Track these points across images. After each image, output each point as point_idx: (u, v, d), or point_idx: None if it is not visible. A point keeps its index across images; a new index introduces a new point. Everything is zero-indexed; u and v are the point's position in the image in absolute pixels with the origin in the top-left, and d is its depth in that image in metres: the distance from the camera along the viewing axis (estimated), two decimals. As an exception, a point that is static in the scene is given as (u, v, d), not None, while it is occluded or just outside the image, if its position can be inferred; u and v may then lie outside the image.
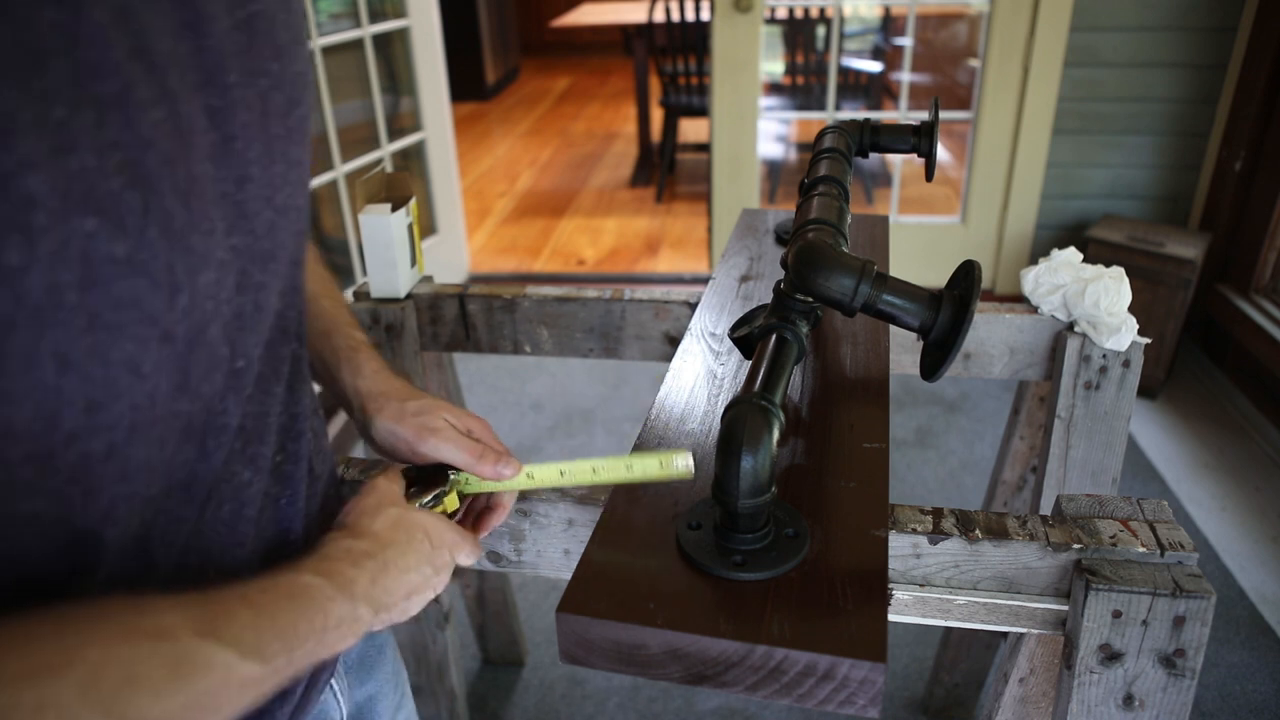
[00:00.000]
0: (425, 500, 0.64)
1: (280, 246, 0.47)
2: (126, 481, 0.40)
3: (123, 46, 0.34)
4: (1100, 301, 1.02)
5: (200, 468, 0.46)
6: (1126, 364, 1.04)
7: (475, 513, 0.70)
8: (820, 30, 3.75)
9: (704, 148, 4.42)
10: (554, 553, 0.81)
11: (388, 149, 2.72)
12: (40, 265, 0.32)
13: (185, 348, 0.40)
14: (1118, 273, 1.03)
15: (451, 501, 0.66)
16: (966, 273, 0.68)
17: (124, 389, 0.37)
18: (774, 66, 3.83)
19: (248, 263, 0.44)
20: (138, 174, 0.35)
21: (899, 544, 0.71)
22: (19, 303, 0.32)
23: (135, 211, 0.35)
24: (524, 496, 0.79)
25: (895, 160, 3.30)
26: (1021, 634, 0.81)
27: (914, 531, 0.71)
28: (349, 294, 1.24)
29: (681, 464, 0.62)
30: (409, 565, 0.54)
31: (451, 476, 0.67)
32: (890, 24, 4.09)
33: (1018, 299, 1.12)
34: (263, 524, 0.52)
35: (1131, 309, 1.03)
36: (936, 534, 0.70)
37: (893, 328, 0.96)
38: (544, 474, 0.66)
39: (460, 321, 1.23)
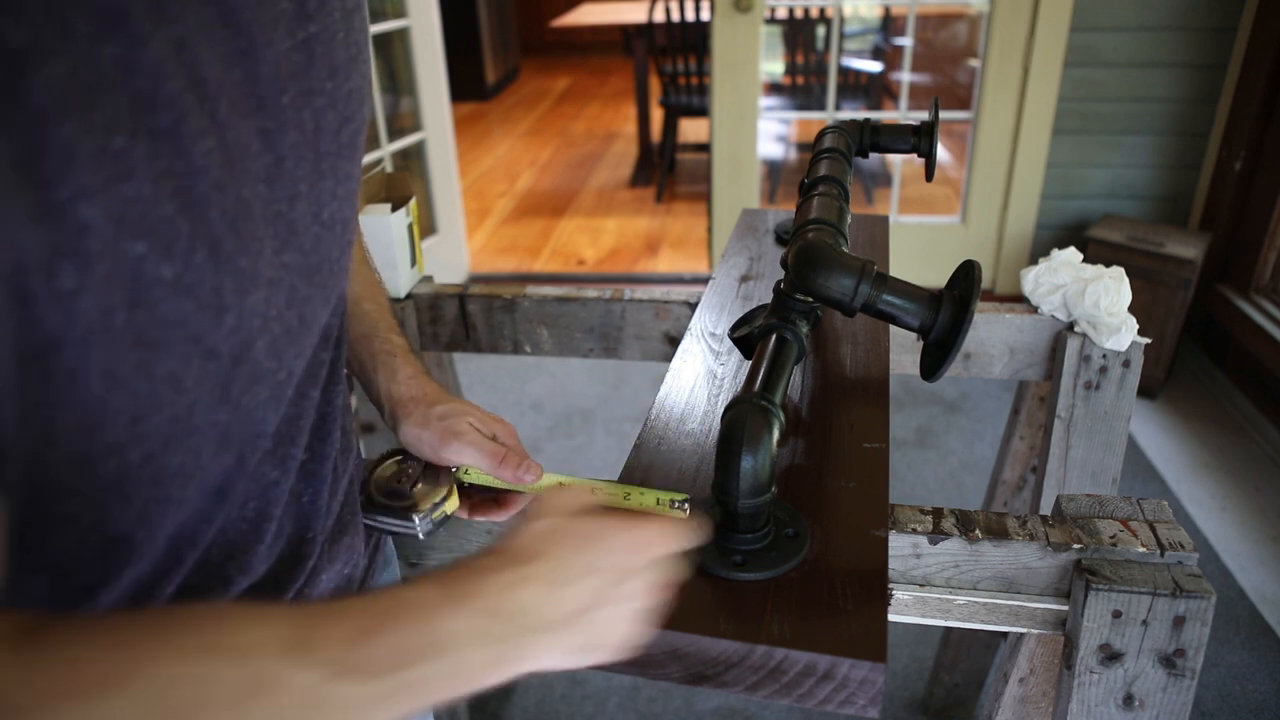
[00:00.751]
0: (427, 508, 0.65)
1: (326, 260, 0.48)
2: (161, 487, 0.40)
3: (179, 79, 0.35)
4: (1100, 301, 1.02)
5: (236, 474, 0.46)
6: (1126, 364, 1.04)
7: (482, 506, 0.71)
8: (820, 30, 3.75)
9: (704, 148, 4.42)
10: (554, 553, 0.81)
11: (388, 149, 2.72)
12: (92, 289, 0.33)
13: (230, 363, 0.40)
14: (1118, 273, 1.03)
15: (454, 501, 0.67)
16: (966, 273, 0.68)
17: (165, 402, 0.37)
18: (774, 66, 3.83)
19: (297, 278, 0.44)
20: (188, 201, 0.35)
21: (899, 544, 0.71)
22: (70, 323, 0.33)
23: (184, 236, 0.35)
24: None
25: (895, 160, 3.30)
26: (1021, 634, 0.81)
27: (914, 531, 0.71)
28: (349, 294, 1.23)
29: (678, 508, 0.61)
30: (565, 578, 0.45)
31: (455, 470, 0.68)
32: (890, 24, 4.09)
33: (1018, 299, 1.12)
34: (284, 521, 0.53)
35: (1131, 309, 1.03)
36: (936, 534, 0.70)
37: (893, 328, 0.96)
38: (542, 484, 0.67)
39: (460, 321, 1.23)
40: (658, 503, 0.62)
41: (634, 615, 0.47)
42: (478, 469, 0.67)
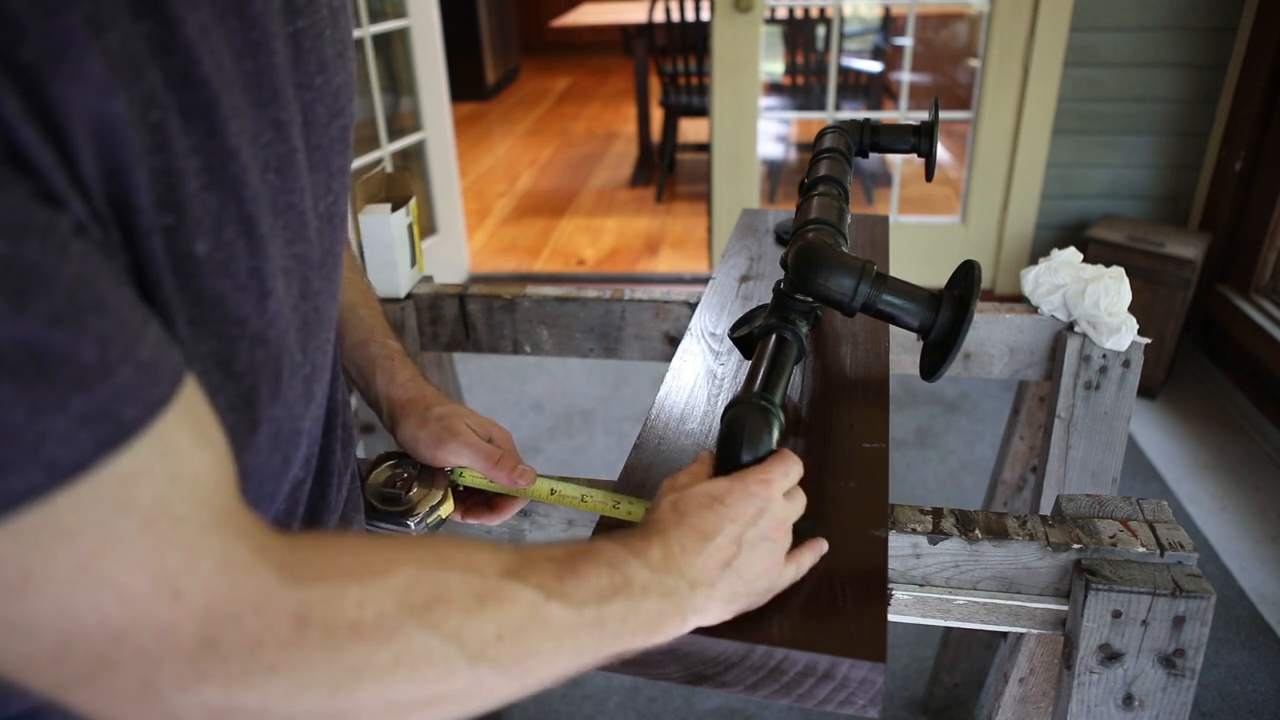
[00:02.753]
0: (422, 512, 0.65)
1: (330, 254, 0.49)
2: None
3: (209, 61, 0.35)
4: (1100, 301, 1.02)
5: (283, 476, 0.47)
6: (1126, 364, 1.04)
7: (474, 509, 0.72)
8: (820, 30, 3.75)
9: (704, 148, 4.42)
10: (554, 553, 0.81)
11: (388, 149, 2.72)
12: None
13: (277, 351, 0.41)
14: (1118, 273, 1.03)
15: (449, 505, 0.68)
16: (966, 273, 0.68)
17: (215, 387, 0.38)
18: (774, 66, 3.83)
19: (308, 270, 0.45)
20: (216, 179, 0.36)
21: (899, 544, 0.71)
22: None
23: (212, 213, 0.36)
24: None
25: (895, 160, 3.30)
26: (1021, 634, 0.81)
27: (914, 531, 0.71)
28: (349, 294, 1.24)
29: None
30: (705, 535, 0.51)
31: (447, 475, 0.68)
32: (890, 24, 4.09)
33: (1018, 299, 1.12)
34: (302, 520, 0.54)
35: (1131, 309, 1.03)
36: (936, 534, 0.70)
37: (893, 328, 0.96)
38: (535, 490, 0.69)
39: (460, 321, 1.23)
40: (647, 512, 0.63)
41: (769, 554, 0.53)
42: (473, 471, 0.68)
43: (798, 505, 0.57)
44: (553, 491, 0.68)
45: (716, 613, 0.51)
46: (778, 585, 0.55)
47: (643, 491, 0.68)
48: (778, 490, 0.55)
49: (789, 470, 0.57)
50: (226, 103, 0.36)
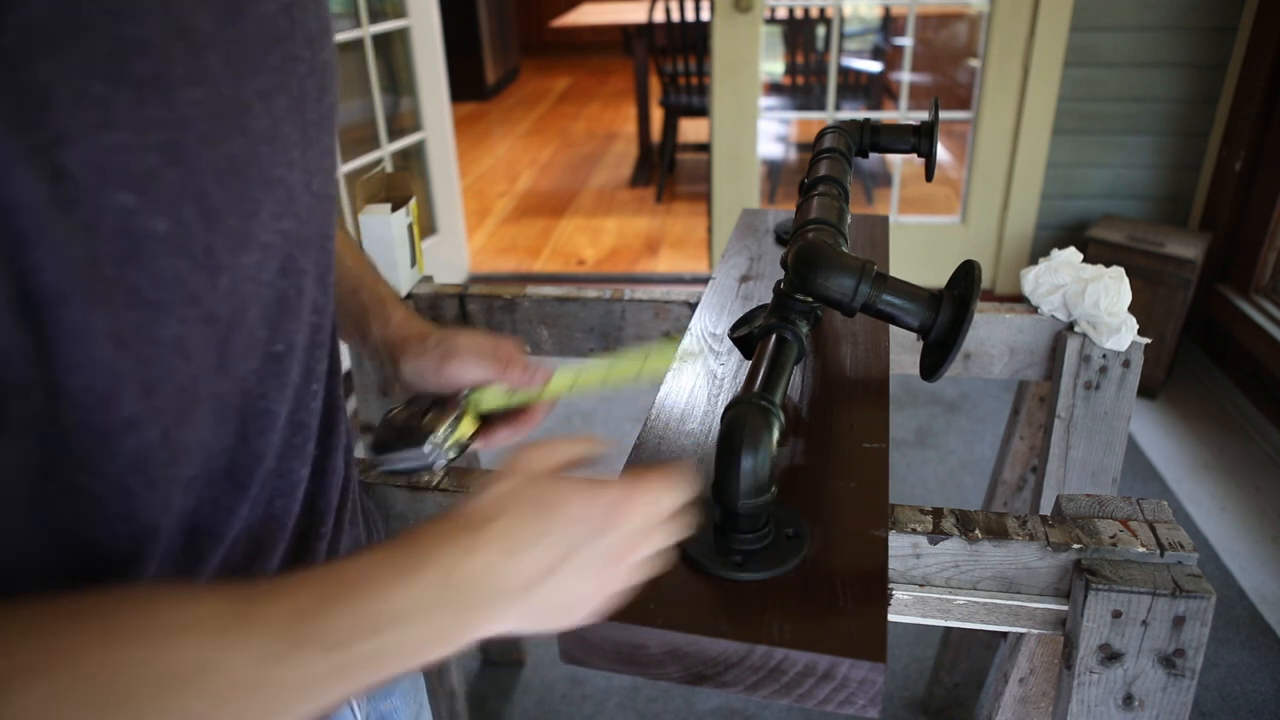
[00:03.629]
0: (439, 433, 0.63)
1: (318, 233, 0.48)
2: (176, 466, 0.40)
3: (165, 24, 0.34)
4: (1100, 301, 1.02)
5: (241, 454, 0.45)
6: (1126, 364, 1.04)
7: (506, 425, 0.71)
8: (820, 30, 3.75)
9: (704, 148, 4.42)
10: (554, 553, 0.81)
11: (388, 149, 2.72)
12: (80, 239, 0.32)
13: (226, 329, 0.40)
14: (1118, 273, 1.03)
15: (467, 425, 0.66)
16: (966, 273, 0.68)
17: (173, 370, 0.37)
18: (774, 66, 3.82)
19: (293, 247, 0.44)
20: (176, 153, 0.35)
21: (899, 544, 0.71)
22: (66, 276, 0.32)
23: (174, 189, 0.35)
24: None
25: (895, 160, 3.30)
26: (1021, 634, 0.81)
27: (914, 531, 0.71)
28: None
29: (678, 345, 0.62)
30: (518, 544, 0.42)
31: (464, 395, 0.67)
32: (890, 24, 4.09)
33: (1018, 299, 1.12)
34: (299, 517, 0.52)
35: (1131, 309, 1.03)
36: (936, 534, 0.70)
37: (893, 328, 0.96)
38: (556, 384, 0.67)
39: (460, 321, 1.23)
40: (668, 356, 0.63)
41: (597, 586, 0.45)
42: (490, 392, 0.66)
43: (659, 538, 0.47)
44: (575, 384, 0.66)
45: (517, 626, 0.44)
46: (597, 611, 0.47)
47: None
48: (638, 517, 0.45)
49: (661, 498, 0.47)
50: (181, 68, 0.35)
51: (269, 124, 0.41)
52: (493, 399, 0.66)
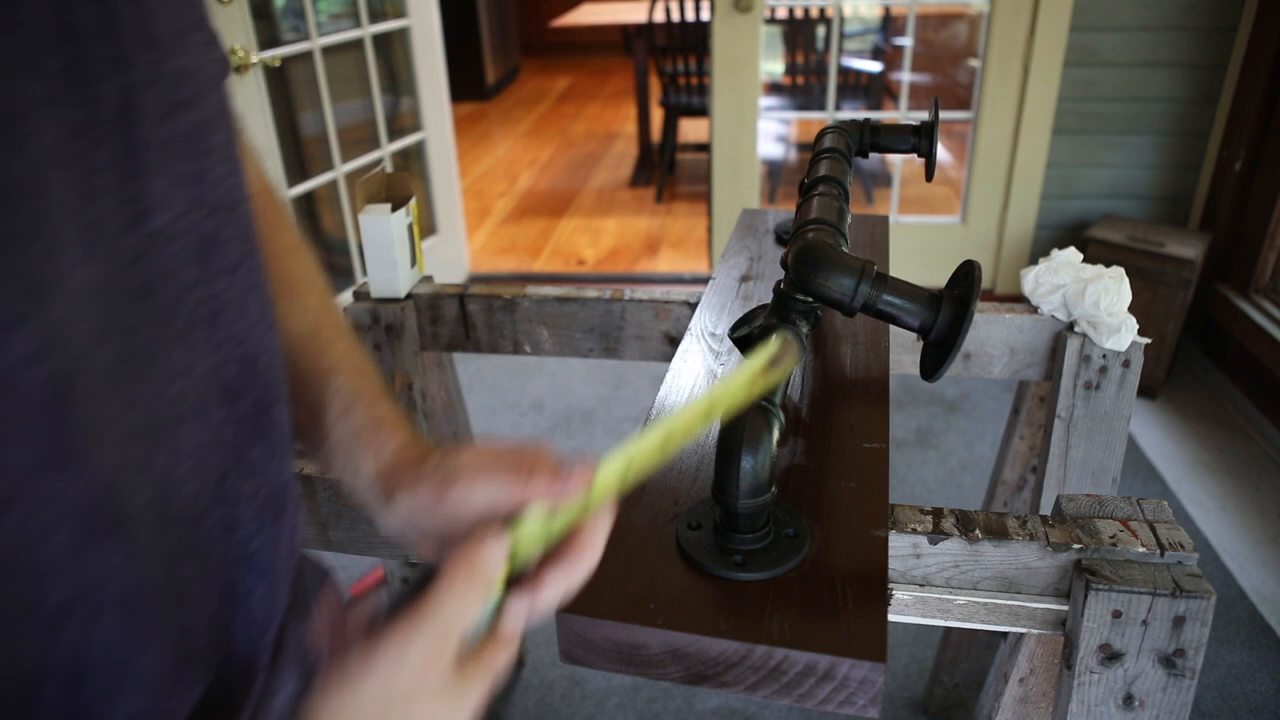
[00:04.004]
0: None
1: (166, 281, 0.38)
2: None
3: None
4: (1100, 301, 1.02)
5: (58, 566, 0.35)
6: (1126, 364, 1.04)
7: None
8: (820, 30, 3.75)
9: (704, 148, 4.42)
10: (554, 553, 0.81)
11: (388, 149, 2.72)
12: None
13: (44, 402, 0.32)
14: (1118, 273, 1.03)
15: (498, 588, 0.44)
16: (966, 273, 0.68)
17: None
18: (774, 66, 3.83)
19: (116, 297, 0.35)
20: None
21: (899, 544, 0.71)
22: None
23: None
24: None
25: (895, 160, 3.30)
26: (1021, 634, 0.81)
27: (914, 531, 0.71)
28: (349, 294, 1.24)
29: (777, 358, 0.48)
30: None
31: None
32: (890, 24, 4.09)
33: (1018, 299, 1.12)
34: (222, 628, 0.44)
35: (1131, 309, 1.03)
36: (936, 534, 0.70)
37: (893, 328, 0.96)
38: (602, 480, 0.47)
39: (460, 321, 1.23)
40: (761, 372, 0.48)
41: None
42: (518, 526, 0.44)
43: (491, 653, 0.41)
44: (630, 467, 0.47)
45: None
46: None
47: (644, 490, 0.68)
48: (415, 661, 0.38)
49: (441, 642, 0.39)
50: None
51: (60, 136, 0.33)
52: (527, 538, 0.44)
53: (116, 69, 0.35)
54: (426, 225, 3.06)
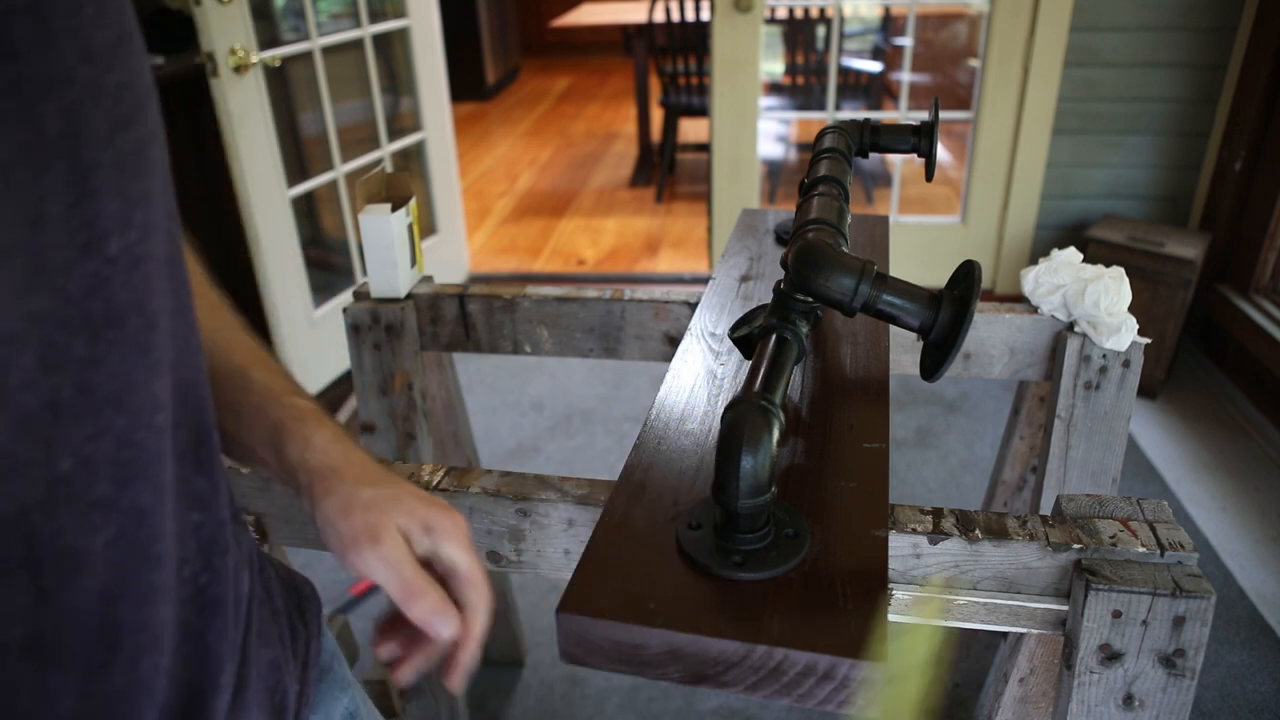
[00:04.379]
0: None
1: (122, 308, 0.36)
2: None
3: None
4: (1100, 301, 1.02)
5: (47, 621, 0.36)
6: (1126, 364, 1.04)
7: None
8: (820, 30, 3.76)
9: (704, 148, 4.42)
10: (554, 552, 0.81)
11: (388, 149, 2.72)
12: None
13: None
14: (1118, 273, 1.03)
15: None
16: (966, 273, 0.68)
17: None
18: (774, 66, 3.83)
19: (57, 331, 0.34)
20: None
21: (899, 544, 0.71)
22: None
23: None
24: (523, 497, 0.79)
25: (895, 160, 3.30)
26: (1021, 634, 0.81)
27: (914, 531, 0.71)
28: (349, 294, 1.23)
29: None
30: None
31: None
32: (890, 24, 4.09)
33: (1018, 299, 1.12)
34: (177, 672, 0.43)
35: (1131, 309, 1.03)
36: (936, 534, 0.70)
37: (893, 327, 0.96)
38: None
39: (460, 321, 1.23)
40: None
41: None
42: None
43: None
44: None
45: None
46: None
47: (644, 491, 0.68)
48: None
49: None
50: None
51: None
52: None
53: (55, 86, 0.33)
54: (426, 225, 3.06)
